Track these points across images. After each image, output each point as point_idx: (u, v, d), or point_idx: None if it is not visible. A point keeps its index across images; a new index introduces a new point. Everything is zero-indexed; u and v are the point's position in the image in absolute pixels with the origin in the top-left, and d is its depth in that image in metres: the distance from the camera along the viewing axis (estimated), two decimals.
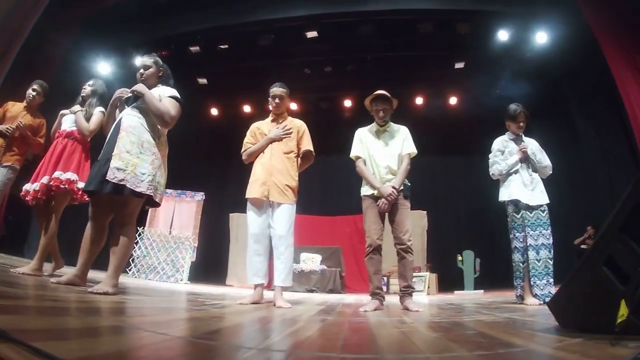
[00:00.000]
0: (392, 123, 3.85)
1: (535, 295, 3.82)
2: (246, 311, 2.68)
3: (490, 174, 4.30)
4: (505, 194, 4.14)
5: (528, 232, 3.94)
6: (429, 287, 7.43)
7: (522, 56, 8.23)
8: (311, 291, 7.37)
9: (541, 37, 7.72)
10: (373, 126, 3.86)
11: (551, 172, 4.17)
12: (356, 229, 9.27)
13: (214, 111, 10.97)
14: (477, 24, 7.73)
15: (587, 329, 1.50)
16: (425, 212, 9.11)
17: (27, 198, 3.89)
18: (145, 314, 2.09)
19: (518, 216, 4.02)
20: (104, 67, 8.48)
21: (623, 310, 1.28)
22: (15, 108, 4.30)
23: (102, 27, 7.94)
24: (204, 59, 8.88)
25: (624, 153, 6.80)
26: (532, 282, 3.87)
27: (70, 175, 3.81)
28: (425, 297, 6.56)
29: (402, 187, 3.58)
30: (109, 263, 2.89)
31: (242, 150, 3.86)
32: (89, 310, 1.89)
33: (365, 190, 3.69)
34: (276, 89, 3.85)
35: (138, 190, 2.88)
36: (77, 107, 4.08)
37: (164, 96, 3.23)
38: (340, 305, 4.01)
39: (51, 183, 3.75)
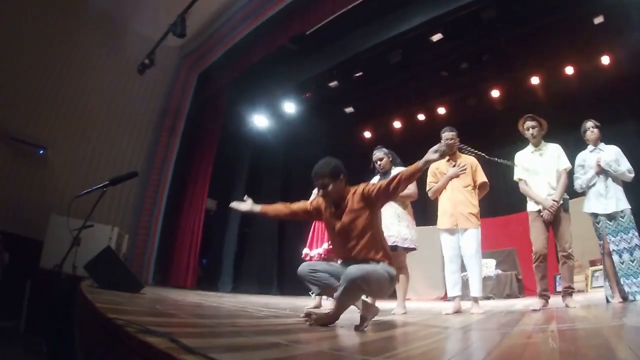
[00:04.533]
0: (545, 142, 4.34)
1: (627, 293, 3.99)
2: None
3: (574, 188, 4.47)
4: (587, 206, 4.35)
5: (610, 239, 4.15)
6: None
7: None
8: (488, 298, 7.02)
9: None
10: (529, 148, 4.39)
11: (632, 174, 4.22)
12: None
13: (367, 134, 11.42)
14: None
15: None
16: None
17: (307, 259, 4.89)
18: None
19: (599, 225, 4.25)
20: (260, 120, 9.63)
21: None
22: None
23: (249, 85, 9.05)
24: (344, 90, 9.40)
25: None
26: (621, 282, 4.05)
27: None
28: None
29: (562, 201, 4.04)
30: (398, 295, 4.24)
31: (427, 189, 4.51)
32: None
33: (530, 207, 4.24)
34: (447, 134, 4.39)
35: (404, 246, 4.23)
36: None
37: None
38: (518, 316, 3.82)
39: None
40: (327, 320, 2.50)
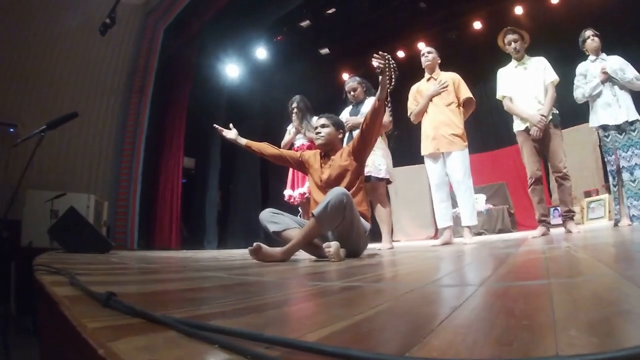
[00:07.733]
0: (528, 56, 3.99)
1: (632, 217, 3.73)
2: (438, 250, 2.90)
3: (575, 97, 4.17)
4: (594, 119, 4.04)
5: (620, 155, 3.86)
6: (609, 212, 6.00)
7: None
8: (479, 234, 6.85)
9: None
10: (512, 63, 4.04)
11: None
12: (520, 160, 8.32)
13: (345, 76, 10.76)
14: None
15: None
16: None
17: (291, 201, 4.73)
18: None
19: (608, 140, 3.94)
20: (232, 69, 9.13)
21: None
22: None
23: (217, 35, 8.53)
24: (317, 30, 8.88)
25: None
26: (628, 204, 3.80)
27: None
28: (608, 223, 5.34)
29: (551, 117, 3.73)
30: (382, 230, 4.00)
31: (408, 113, 4.28)
32: None
33: (517, 126, 3.94)
34: (425, 48, 4.26)
35: (379, 176, 3.92)
36: (298, 125, 4.78)
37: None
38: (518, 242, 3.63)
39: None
40: (279, 257, 2.24)
